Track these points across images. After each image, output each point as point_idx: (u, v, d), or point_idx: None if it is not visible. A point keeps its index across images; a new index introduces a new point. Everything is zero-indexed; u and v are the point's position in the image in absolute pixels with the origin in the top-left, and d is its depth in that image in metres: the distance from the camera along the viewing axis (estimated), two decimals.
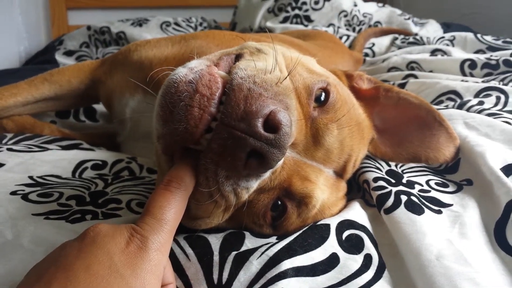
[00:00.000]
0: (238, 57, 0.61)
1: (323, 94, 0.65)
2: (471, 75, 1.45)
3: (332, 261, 0.59)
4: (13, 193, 0.70)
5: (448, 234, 0.62)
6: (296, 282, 0.55)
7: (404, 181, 0.74)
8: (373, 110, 0.82)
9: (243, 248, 0.60)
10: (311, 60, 0.75)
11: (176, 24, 2.40)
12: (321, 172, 0.65)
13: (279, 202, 0.63)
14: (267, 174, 0.57)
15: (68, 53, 2.02)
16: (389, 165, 0.80)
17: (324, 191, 0.66)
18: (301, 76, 0.64)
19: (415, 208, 0.66)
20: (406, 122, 0.82)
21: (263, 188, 0.60)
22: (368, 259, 0.61)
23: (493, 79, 1.33)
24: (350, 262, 0.59)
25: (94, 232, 0.47)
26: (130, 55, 1.02)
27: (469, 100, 1.05)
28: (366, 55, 2.00)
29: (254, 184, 0.56)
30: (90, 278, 0.41)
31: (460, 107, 1.04)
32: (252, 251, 0.59)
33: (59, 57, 1.97)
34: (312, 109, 0.63)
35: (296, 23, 2.32)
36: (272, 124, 0.50)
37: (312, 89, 0.64)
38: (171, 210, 0.50)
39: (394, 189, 0.70)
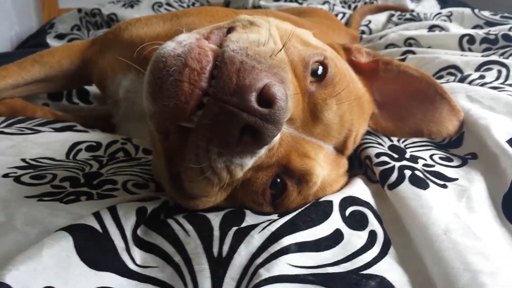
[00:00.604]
0: (230, 30, 0.58)
1: (321, 67, 0.63)
2: (470, 50, 1.43)
3: (336, 237, 0.58)
4: (5, 175, 0.68)
5: (455, 208, 0.60)
6: (300, 257, 0.54)
7: (407, 156, 0.72)
8: (372, 84, 0.79)
9: (244, 224, 0.58)
10: (307, 33, 0.73)
11: (168, 4, 2.36)
12: (321, 149, 0.63)
13: (278, 180, 0.61)
14: (262, 151, 0.55)
15: (60, 36, 1.99)
16: (391, 140, 0.78)
17: (324, 167, 0.64)
18: (296, 49, 0.62)
19: (419, 183, 0.64)
20: (407, 96, 0.80)
21: (260, 166, 0.58)
22: (373, 235, 0.59)
23: (493, 54, 1.31)
24: (355, 238, 0.58)
25: None
26: (120, 33, 1.00)
27: (470, 74, 1.03)
28: (363, 32, 1.97)
29: (249, 162, 0.54)
30: None
31: (461, 81, 1.02)
32: (253, 227, 0.57)
33: (50, 40, 1.94)
34: (309, 83, 0.61)
35: (291, 1, 2.29)
36: (266, 98, 0.47)
37: (308, 61, 0.61)
38: None
39: (398, 164, 0.68)
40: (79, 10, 2.20)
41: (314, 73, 0.62)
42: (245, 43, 0.51)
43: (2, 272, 0.46)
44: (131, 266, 0.53)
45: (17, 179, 0.67)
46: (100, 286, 0.49)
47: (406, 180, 0.65)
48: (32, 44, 1.99)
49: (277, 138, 0.55)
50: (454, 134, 0.78)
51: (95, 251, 0.52)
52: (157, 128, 0.53)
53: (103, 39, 1.07)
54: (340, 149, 0.68)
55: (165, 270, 0.54)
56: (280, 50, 0.55)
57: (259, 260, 0.53)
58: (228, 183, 0.55)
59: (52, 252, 0.50)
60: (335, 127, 0.63)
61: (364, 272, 0.53)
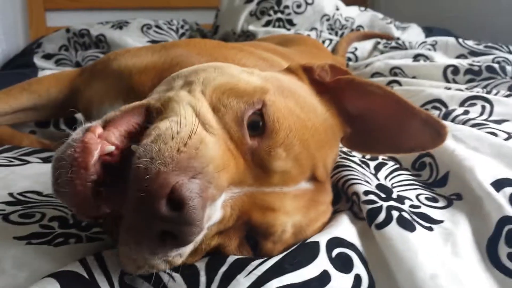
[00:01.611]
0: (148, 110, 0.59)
1: (260, 118, 0.61)
2: (454, 81, 1.46)
3: (323, 279, 0.57)
4: None
5: (441, 253, 0.61)
6: None
7: (394, 196, 0.73)
8: (342, 100, 0.75)
9: (230, 267, 0.58)
10: (246, 73, 0.70)
11: (157, 26, 2.37)
12: (286, 194, 0.61)
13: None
14: (199, 237, 0.54)
15: (47, 56, 1.98)
16: (378, 179, 0.79)
17: (293, 213, 0.62)
18: (227, 108, 0.60)
19: (406, 225, 0.65)
20: (377, 112, 0.76)
21: (222, 232, 0.58)
22: (358, 280, 0.59)
23: (476, 86, 1.34)
24: (341, 281, 0.58)
25: None
26: (109, 64, 1.00)
27: (454, 109, 1.06)
28: (349, 59, 2.00)
29: (187, 249, 0.54)
30: None
31: (445, 116, 1.04)
32: (239, 270, 0.57)
33: (37, 60, 1.93)
34: (249, 140, 0.59)
35: (279, 26, 2.31)
36: (175, 200, 0.47)
37: (241, 118, 0.60)
38: None
39: (385, 204, 0.69)
40: (68, 30, 2.19)
41: (255, 125, 0.60)
42: (152, 142, 0.51)
43: None
44: None
45: (5, 218, 0.66)
46: None
47: (394, 221, 0.65)
48: (19, 63, 1.97)
49: (217, 217, 0.54)
50: (431, 147, 0.75)
51: None
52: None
53: (93, 68, 1.08)
54: (314, 179, 0.66)
55: None
56: (192, 133, 0.54)
57: None
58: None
59: None
60: (294, 170, 0.61)
61: None
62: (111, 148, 0.52)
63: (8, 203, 0.72)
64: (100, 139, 0.52)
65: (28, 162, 0.91)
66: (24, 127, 1.19)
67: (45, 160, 0.95)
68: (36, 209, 0.70)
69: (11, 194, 0.76)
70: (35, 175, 0.84)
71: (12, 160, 0.91)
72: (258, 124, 0.60)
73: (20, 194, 0.76)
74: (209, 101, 0.60)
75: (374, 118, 0.76)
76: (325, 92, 0.74)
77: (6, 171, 0.84)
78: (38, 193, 0.78)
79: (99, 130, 0.53)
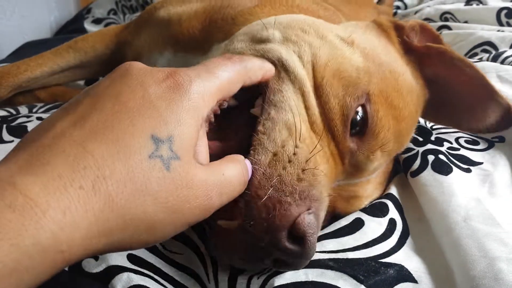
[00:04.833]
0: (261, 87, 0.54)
1: (360, 112, 0.55)
2: (508, 24, 1.38)
3: (356, 225, 0.58)
4: None
5: (477, 193, 0.60)
6: (319, 244, 0.54)
7: (432, 138, 0.71)
8: (424, 65, 0.70)
9: None
10: (343, 44, 0.60)
11: None
12: (369, 180, 0.61)
13: None
14: None
15: (97, 21, 2.02)
16: (418, 122, 0.77)
17: (372, 194, 0.63)
18: (334, 99, 0.54)
19: (442, 168, 0.64)
20: (456, 86, 0.71)
21: None
22: (392, 223, 0.59)
23: None
24: (375, 225, 0.58)
25: (128, 65, 0.41)
26: (156, 12, 0.99)
27: (504, 51, 1.00)
28: (398, 8, 1.91)
29: None
30: (118, 105, 0.37)
31: (494, 58, 0.99)
32: None
33: (88, 25, 1.97)
34: (350, 142, 0.55)
35: None
36: (296, 234, 0.46)
37: (347, 117, 0.54)
38: (226, 71, 0.45)
39: (421, 149, 0.68)
40: None
41: (353, 122, 0.54)
42: (271, 167, 0.48)
43: None
44: (159, 247, 0.56)
45: None
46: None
47: (429, 167, 0.64)
48: (70, 29, 2.02)
49: None
50: (493, 130, 0.71)
51: None
52: None
53: (138, 19, 1.08)
54: None
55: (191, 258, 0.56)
56: (310, 152, 0.51)
57: None
58: None
59: None
60: (384, 162, 0.59)
61: (383, 260, 0.54)
62: None
63: None
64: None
65: None
66: (75, 87, 1.23)
67: None
68: None
69: None
70: None
71: None
72: (357, 121, 0.54)
73: None
74: (314, 78, 0.55)
75: (453, 91, 0.71)
76: (409, 53, 0.69)
77: None
78: None
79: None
